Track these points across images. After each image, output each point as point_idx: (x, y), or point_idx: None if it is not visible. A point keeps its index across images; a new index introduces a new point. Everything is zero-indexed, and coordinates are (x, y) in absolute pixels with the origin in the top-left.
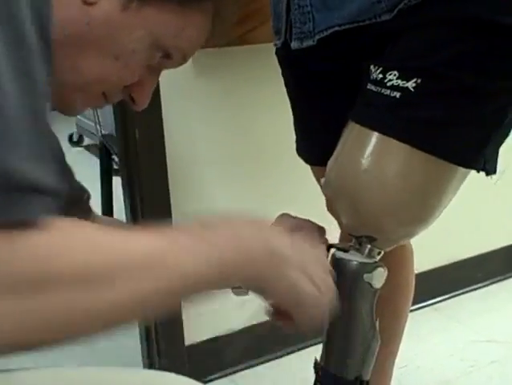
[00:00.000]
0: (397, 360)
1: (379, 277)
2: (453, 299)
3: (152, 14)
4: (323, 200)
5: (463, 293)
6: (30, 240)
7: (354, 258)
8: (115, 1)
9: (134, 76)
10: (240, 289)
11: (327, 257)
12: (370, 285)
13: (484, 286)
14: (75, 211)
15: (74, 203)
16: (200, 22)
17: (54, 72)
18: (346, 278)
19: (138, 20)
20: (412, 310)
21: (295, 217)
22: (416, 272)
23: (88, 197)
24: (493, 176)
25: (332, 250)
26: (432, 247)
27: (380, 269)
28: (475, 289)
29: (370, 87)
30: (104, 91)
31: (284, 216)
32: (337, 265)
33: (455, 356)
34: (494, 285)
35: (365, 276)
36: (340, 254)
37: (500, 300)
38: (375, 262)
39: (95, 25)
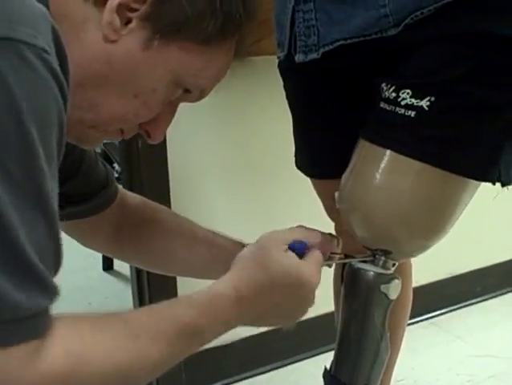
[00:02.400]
0: (395, 374)
1: (395, 289)
2: (451, 313)
3: (174, 53)
4: (323, 210)
5: (462, 307)
6: (52, 354)
7: (371, 269)
8: (138, 39)
9: (152, 113)
10: None
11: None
12: (386, 295)
13: (483, 301)
14: (98, 200)
15: (97, 192)
16: (220, 60)
17: (72, 108)
18: (362, 288)
19: (159, 59)
20: (410, 324)
21: (310, 229)
22: (415, 285)
23: (112, 180)
24: (495, 188)
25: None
26: (431, 261)
27: (396, 281)
28: (474, 304)
29: (383, 105)
30: (122, 127)
31: (299, 228)
32: (354, 274)
33: (452, 370)
34: (493, 300)
35: (382, 286)
36: (358, 264)
37: (499, 315)
38: (392, 274)
39: (116, 63)
